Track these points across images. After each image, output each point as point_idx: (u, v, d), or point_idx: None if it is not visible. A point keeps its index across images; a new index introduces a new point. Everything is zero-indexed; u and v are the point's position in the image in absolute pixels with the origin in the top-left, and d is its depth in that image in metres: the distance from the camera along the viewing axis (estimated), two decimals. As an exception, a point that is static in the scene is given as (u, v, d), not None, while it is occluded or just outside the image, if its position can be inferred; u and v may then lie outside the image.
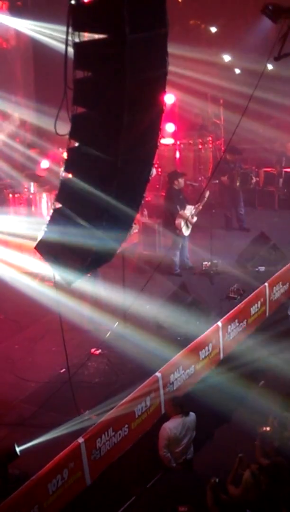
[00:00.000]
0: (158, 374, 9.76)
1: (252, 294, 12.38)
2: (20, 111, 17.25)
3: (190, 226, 13.67)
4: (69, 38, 6.97)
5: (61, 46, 7.24)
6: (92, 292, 11.60)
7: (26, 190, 14.68)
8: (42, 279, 12.35)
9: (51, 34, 14.98)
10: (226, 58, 20.53)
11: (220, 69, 20.14)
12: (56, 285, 8.62)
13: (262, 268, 13.95)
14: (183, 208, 13.63)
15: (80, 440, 8.36)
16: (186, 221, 13.44)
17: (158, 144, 8.11)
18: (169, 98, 16.87)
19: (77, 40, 6.97)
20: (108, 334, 10.96)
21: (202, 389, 10.31)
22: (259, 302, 12.43)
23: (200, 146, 18.42)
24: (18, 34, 17.27)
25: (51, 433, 8.63)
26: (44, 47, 15.16)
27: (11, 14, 16.10)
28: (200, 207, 13.63)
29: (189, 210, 13.58)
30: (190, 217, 13.46)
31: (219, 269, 13.86)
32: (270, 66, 14.48)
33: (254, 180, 17.70)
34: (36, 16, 15.70)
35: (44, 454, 8.25)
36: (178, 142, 18.14)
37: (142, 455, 9.27)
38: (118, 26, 6.68)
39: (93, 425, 8.69)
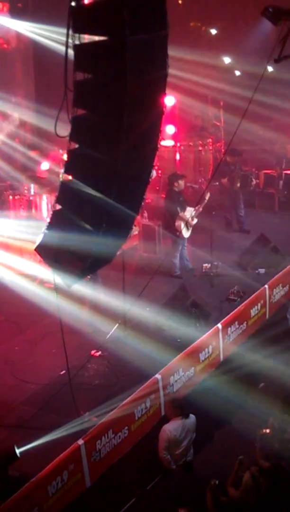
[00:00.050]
0: (158, 376, 9.75)
1: (252, 296, 12.37)
2: (20, 112, 17.27)
3: (190, 228, 13.67)
4: (70, 40, 6.98)
5: (61, 48, 7.25)
6: (92, 294, 11.60)
7: (26, 191, 14.70)
8: (42, 281, 12.35)
9: (51, 36, 15.01)
10: (226, 60, 20.54)
11: (220, 71, 20.15)
12: (56, 287, 8.61)
13: (262, 270, 13.93)
14: (183, 210, 13.63)
15: (80, 442, 8.35)
16: (186, 223, 13.44)
17: (158, 146, 8.11)
18: (169, 100, 16.88)
19: (77, 42, 6.98)
20: (108, 336, 10.96)
21: (202, 391, 10.30)
22: (259, 304, 12.42)
23: (200, 148, 18.43)
24: (19, 36, 17.31)
25: (51, 435, 8.62)
26: (45, 49, 15.21)
27: (11, 16, 16.14)
28: (201, 209, 13.63)
29: (189, 212, 13.57)
30: (190, 219, 13.45)
31: (219, 271, 13.84)
32: (270, 68, 14.51)
33: (254, 182, 17.73)
34: (37, 18, 15.74)
35: (44, 456, 8.25)
36: (178, 144, 18.16)
37: (142, 457, 9.26)
38: (119, 28, 6.69)
39: (93, 427, 8.69)
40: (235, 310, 11.89)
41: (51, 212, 8.11)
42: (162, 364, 10.06)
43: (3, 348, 11.28)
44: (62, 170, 7.76)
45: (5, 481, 7.91)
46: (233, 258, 14.53)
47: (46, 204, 14.30)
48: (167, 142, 17.82)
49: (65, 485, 8.11)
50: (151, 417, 9.59)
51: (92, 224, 7.61)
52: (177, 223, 13.56)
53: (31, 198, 14.50)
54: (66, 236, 7.75)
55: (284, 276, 13.36)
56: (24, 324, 11.87)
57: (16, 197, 14.61)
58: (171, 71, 7.47)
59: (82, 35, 6.97)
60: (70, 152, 7.59)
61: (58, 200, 7.88)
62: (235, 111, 14.70)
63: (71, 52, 7.07)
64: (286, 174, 18.11)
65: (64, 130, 7.49)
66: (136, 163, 7.65)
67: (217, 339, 11.15)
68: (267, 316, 12.69)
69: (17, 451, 7.97)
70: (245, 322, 11.97)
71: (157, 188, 16.56)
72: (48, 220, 8.05)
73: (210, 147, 18.60)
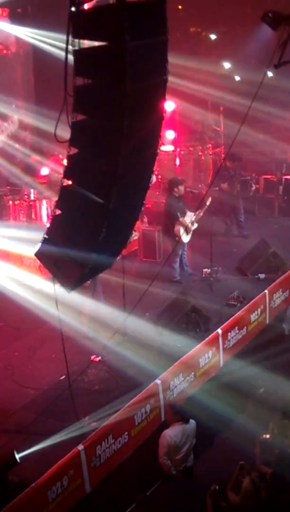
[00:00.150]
0: (158, 381, 9.73)
1: (252, 301, 12.37)
2: (20, 117, 17.29)
3: (190, 233, 13.67)
4: (69, 45, 6.98)
5: (61, 53, 7.26)
6: (91, 299, 11.59)
7: (26, 196, 14.71)
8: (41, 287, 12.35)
9: (51, 41, 15.04)
10: (226, 65, 20.57)
11: (220, 77, 20.18)
12: (56, 293, 8.60)
13: (262, 275, 13.92)
14: (184, 215, 13.63)
15: (80, 447, 8.33)
16: (186, 228, 13.43)
17: (158, 151, 8.13)
18: (169, 105, 16.92)
19: (77, 47, 6.98)
20: (108, 342, 10.95)
21: (202, 396, 10.29)
22: (259, 309, 12.41)
23: (200, 153, 18.45)
24: (19, 41, 17.33)
25: (51, 440, 8.61)
26: (44, 54, 15.23)
27: (11, 21, 16.14)
28: (201, 214, 13.63)
29: (189, 217, 13.57)
30: (189, 224, 13.45)
31: (219, 276, 13.85)
32: (270, 74, 14.52)
33: (254, 187, 17.73)
34: (36, 23, 15.75)
35: (43, 461, 8.24)
36: (178, 149, 18.19)
37: (142, 462, 9.24)
38: (118, 33, 6.69)
39: (93, 432, 8.67)
40: (235, 315, 11.88)
41: (51, 217, 8.11)
42: (162, 369, 10.05)
43: (3, 353, 11.27)
44: (62, 175, 7.76)
45: (5, 487, 7.90)
46: (233, 263, 14.54)
47: (46, 209, 14.31)
48: (167, 147, 17.85)
49: (65, 490, 8.09)
50: (151, 423, 9.58)
51: (92, 229, 7.62)
52: (176, 228, 13.56)
53: (31, 203, 14.51)
54: (66, 242, 7.75)
55: (284, 281, 13.35)
56: (24, 329, 11.87)
57: (16, 202, 14.63)
58: (171, 76, 7.48)
59: (82, 41, 6.97)
60: (70, 157, 7.59)
61: (58, 205, 7.88)
62: (235, 116, 14.71)
63: (71, 57, 7.07)
64: (286, 179, 18.12)
65: (65, 132, 7.48)
66: (136, 168, 7.65)
67: (217, 344, 11.14)
68: (267, 321, 12.68)
69: (17, 456, 7.96)
70: (245, 327, 11.96)
71: (157, 193, 16.50)
72: (48, 225, 8.04)
73: (210, 152, 18.61)
